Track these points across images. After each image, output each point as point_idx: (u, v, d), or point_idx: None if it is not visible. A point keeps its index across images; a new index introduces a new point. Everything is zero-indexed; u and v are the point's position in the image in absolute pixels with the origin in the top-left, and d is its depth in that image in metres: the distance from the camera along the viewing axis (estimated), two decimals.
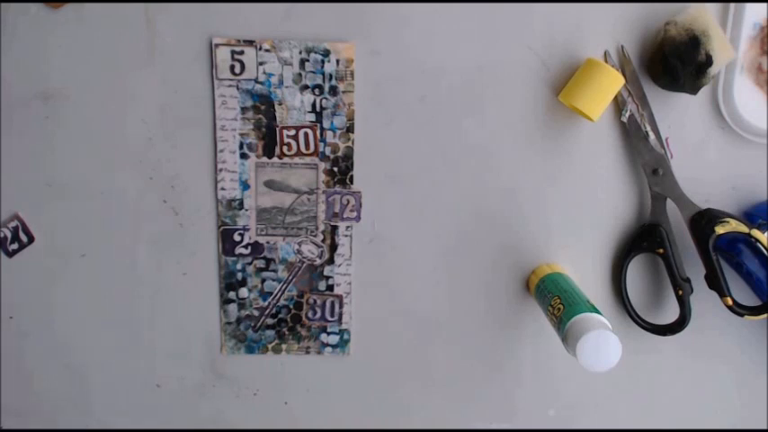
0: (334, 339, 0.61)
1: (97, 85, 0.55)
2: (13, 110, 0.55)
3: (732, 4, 0.55)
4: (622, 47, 0.56)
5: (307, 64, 0.55)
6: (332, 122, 0.56)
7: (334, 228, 0.59)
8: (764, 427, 0.64)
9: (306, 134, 0.57)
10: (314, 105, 0.56)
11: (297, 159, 0.57)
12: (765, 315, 0.56)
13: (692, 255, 0.57)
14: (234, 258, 0.59)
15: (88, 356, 0.61)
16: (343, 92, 0.56)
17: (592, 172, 0.58)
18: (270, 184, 0.58)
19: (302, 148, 0.57)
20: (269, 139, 0.57)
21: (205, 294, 0.60)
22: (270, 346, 0.61)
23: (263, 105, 0.56)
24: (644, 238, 0.58)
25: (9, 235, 0.57)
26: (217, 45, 0.54)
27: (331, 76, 0.55)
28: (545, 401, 0.64)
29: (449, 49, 0.55)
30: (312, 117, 0.56)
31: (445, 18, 0.55)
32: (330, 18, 0.54)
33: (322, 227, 0.59)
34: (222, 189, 0.57)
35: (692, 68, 0.54)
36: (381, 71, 0.56)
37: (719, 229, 0.55)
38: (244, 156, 0.57)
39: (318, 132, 0.57)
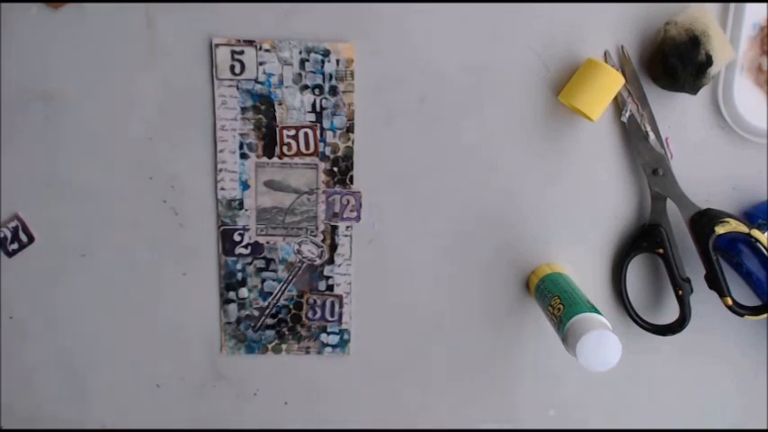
0: (334, 339, 0.61)
1: (97, 85, 0.55)
2: (14, 110, 0.55)
3: (732, 4, 0.55)
4: (622, 47, 0.56)
5: (307, 64, 0.55)
6: (332, 122, 0.56)
7: (334, 228, 0.59)
8: (764, 427, 0.64)
9: (306, 134, 0.57)
10: (314, 105, 0.56)
11: (297, 159, 0.57)
12: (765, 315, 0.56)
13: (692, 255, 0.57)
14: (234, 258, 0.59)
15: (88, 356, 0.61)
16: (343, 92, 0.56)
17: (592, 172, 0.58)
18: (270, 184, 0.58)
19: (302, 148, 0.57)
20: (269, 139, 0.57)
21: (205, 294, 0.60)
22: (270, 346, 0.61)
23: (263, 105, 0.56)
24: (644, 238, 0.58)
25: (9, 235, 0.57)
26: (217, 45, 0.54)
27: (331, 76, 0.55)
28: (545, 401, 0.64)
29: (449, 49, 0.55)
30: (312, 117, 0.56)
31: (445, 18, 0.55)
32: (330, 18, 0.54)
33: (322, 227, 0.59)
34: (222, 189, 0.57)
35: (692, 68, 0.54)
36: (381, 71, 0.56)
37: (719, 229, 0.55)
38: (244, 156, 0.57)
39: (318, 132, 0.57)
